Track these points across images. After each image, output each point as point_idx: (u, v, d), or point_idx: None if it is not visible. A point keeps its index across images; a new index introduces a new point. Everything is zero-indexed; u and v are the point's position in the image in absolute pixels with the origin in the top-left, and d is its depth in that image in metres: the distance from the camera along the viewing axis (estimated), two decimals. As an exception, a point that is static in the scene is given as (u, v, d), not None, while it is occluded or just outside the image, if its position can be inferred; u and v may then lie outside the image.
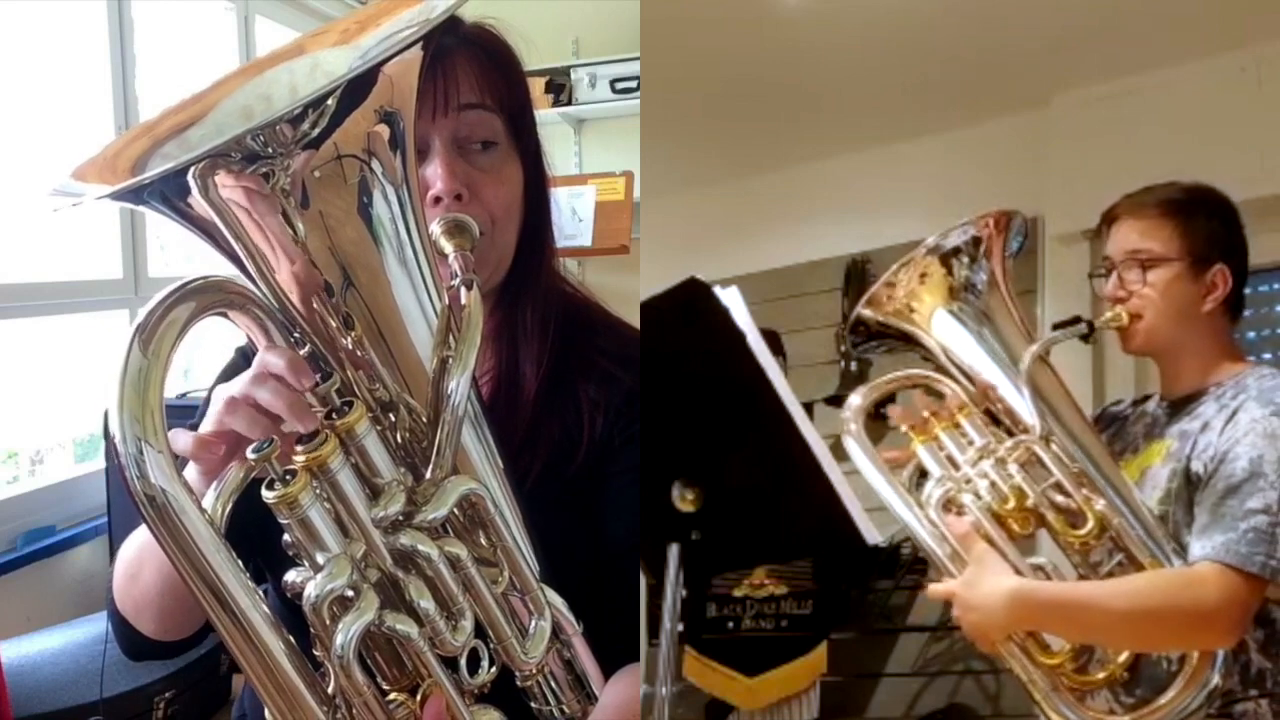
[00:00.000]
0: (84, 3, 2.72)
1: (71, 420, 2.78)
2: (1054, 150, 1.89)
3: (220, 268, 0.67)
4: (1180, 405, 1.17)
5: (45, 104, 2.60)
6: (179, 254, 3.12)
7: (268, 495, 0.65)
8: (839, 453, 1.15)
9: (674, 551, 1.05)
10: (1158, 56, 1.74)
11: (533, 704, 0.78)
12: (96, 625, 2.26)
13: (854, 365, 2.04)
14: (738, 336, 1.05)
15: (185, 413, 0.81)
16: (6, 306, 2.46)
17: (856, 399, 1.18)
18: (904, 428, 1.16)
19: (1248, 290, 1.75)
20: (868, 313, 1.22)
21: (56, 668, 2.15)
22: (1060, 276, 1.88)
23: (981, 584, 1.07)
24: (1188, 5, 1.62)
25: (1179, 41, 1.70)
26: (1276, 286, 1.72)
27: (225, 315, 0.68)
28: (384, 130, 0.66)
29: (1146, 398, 1.25)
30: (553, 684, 0.78)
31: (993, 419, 1.15)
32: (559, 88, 3.51)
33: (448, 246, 0.80)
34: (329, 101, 0.60)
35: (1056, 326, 1.16)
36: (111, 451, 2.06)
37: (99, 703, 2.07)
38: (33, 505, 2.53)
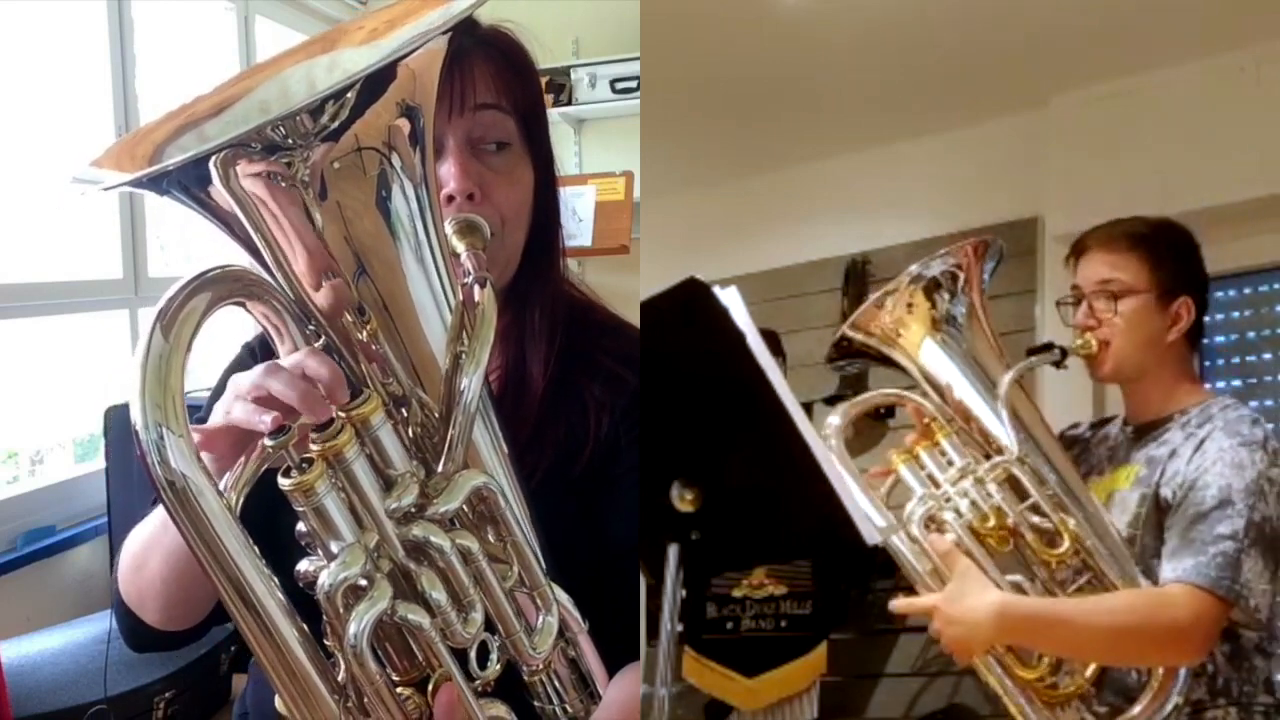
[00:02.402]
0: (84, 3, 2.72)
1: (71, 420, 2.78)
2: (1053, 150, 1.89)
3: (233, 259, 0.67)
4: (1145, 430, 1.21)
5: (45, 104, 2.60)
6: (179, 254, 3.13)
7: (284, 483, 0.65)
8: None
9: (673, 551, 1.05)
10: (1157, 56, 1.74)
11: (536, 702, 0.78)
12: (96, 625, 2.26)
13: (854, 366, 2.05)
14: (737, 336, 1.05)
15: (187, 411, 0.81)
16: (6, 306, 2.46)
17: (835, 419, 1.23)
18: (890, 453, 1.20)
19: (1248, 290, 1.77)
20: (854, 333, 1.26)
21: (56, 668, 2.15)
22: (1060, 277, 1.88)
23: (966, 598, 1.10)
24: (1188, 5, 1.62)
25: (1179, 41, 1.70)
26: (1276, 286, 1.72)
27: (243, 305, 0.68)
28: (405, 125, 0.66)
29: (1105, 421, 1.30)
30: (556, 682, 0.78)
31: (969, 441, 1.19)
32: (559, 88, 3.50)
33: (460, 245, 0.81)
34: (349, 95, 0.61)
35: (1030, 352, 1.21)
36: (109, 450, 2.05)
37: (102, 701, 2.07)
38: (33, 505, 2.53)
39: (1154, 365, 1.21)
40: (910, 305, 1.23)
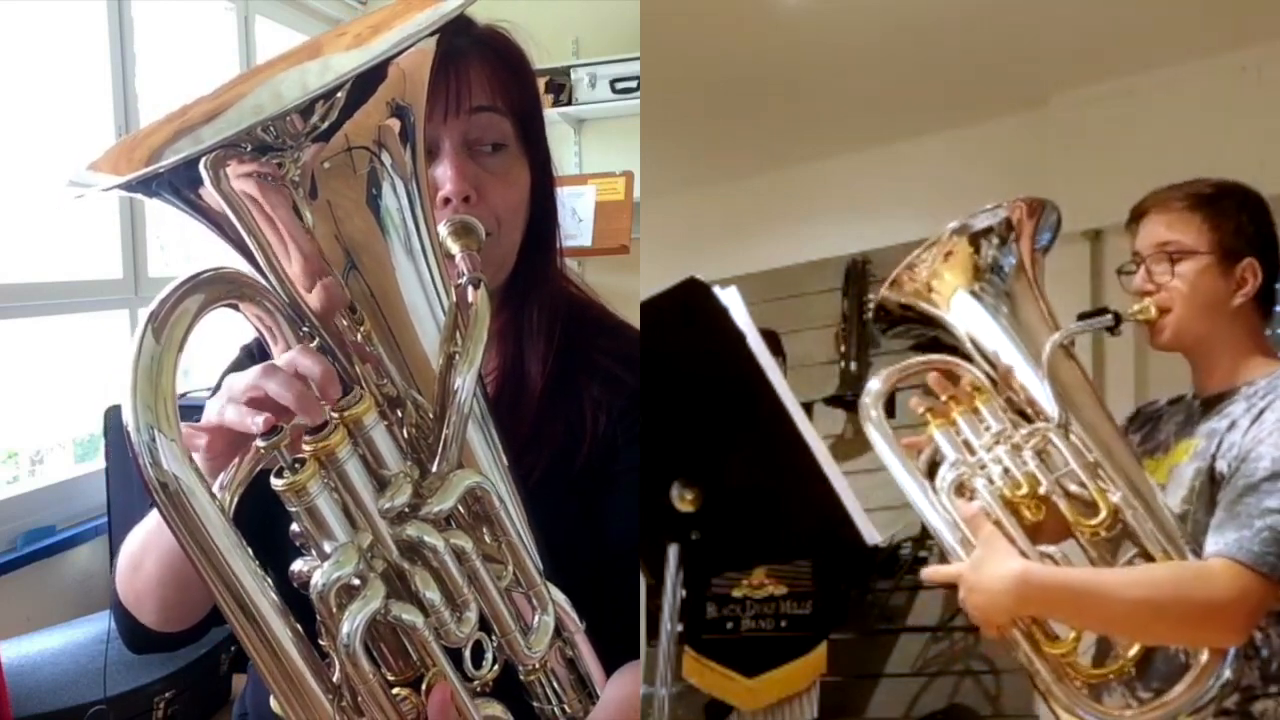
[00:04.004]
0: (84, 3, 2.72)
1: (71, 420, 2.78)
2: (1054, 150, 1.90)
3: (229, 261, 0.67)
4: (1212, 404, 1.15)
5: (45, 104, 2.60)
6: (179, 254, 3.13)
7: (276, 483, 0.65)
8: (838, 453, 1.15)
9: (673, 551, 1.06)
10: (1158, 56, 1.74)
11: (534, 703, 0.78)
12: (96, 625, 2.26)
13: (853, 365, 2.05)
14: (737, 336, 1.05)
15: (185, 413, 0.81)
16: (6, 306, 2.46)
17: (876, 383, 1.16)
18: (922, 410, 1.14)
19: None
20: (890, 294, 1.20)
21: (56, 668, 2.15)
22: (1060, 276, 1.87)
23: (988, 565, 1.05)
24: (1188, 5, 1.62)
25: (1179, 41, 1.71)
26: (1276, 286, 1.72)
27: (236, 307, 0.68)
28: (395, 124, 0.66)
29: (1181, 397, 1.22)
30: (555, 683, 0.78)
31: (1013, 406, 1.14)
32: (559, 88, 3.50)
33: (454, 247, 0.81)
34: (339, 95, 0.61)
35: (1082, 317, 1.14)
36: (109, 450, 2.04)
37: (102, 701, 2.07)
38: (33, 505, 2.53)
39: (1218, 333, 1.14)
40: (950, 254, 1.16)
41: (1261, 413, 1.07)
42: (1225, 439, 1.08)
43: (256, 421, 0.66)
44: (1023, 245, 1.18)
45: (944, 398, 1.14)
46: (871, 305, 1.22)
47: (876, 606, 1.93)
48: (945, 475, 1.11)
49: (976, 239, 1.17)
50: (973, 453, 1.12)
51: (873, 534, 1.10)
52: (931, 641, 1.86)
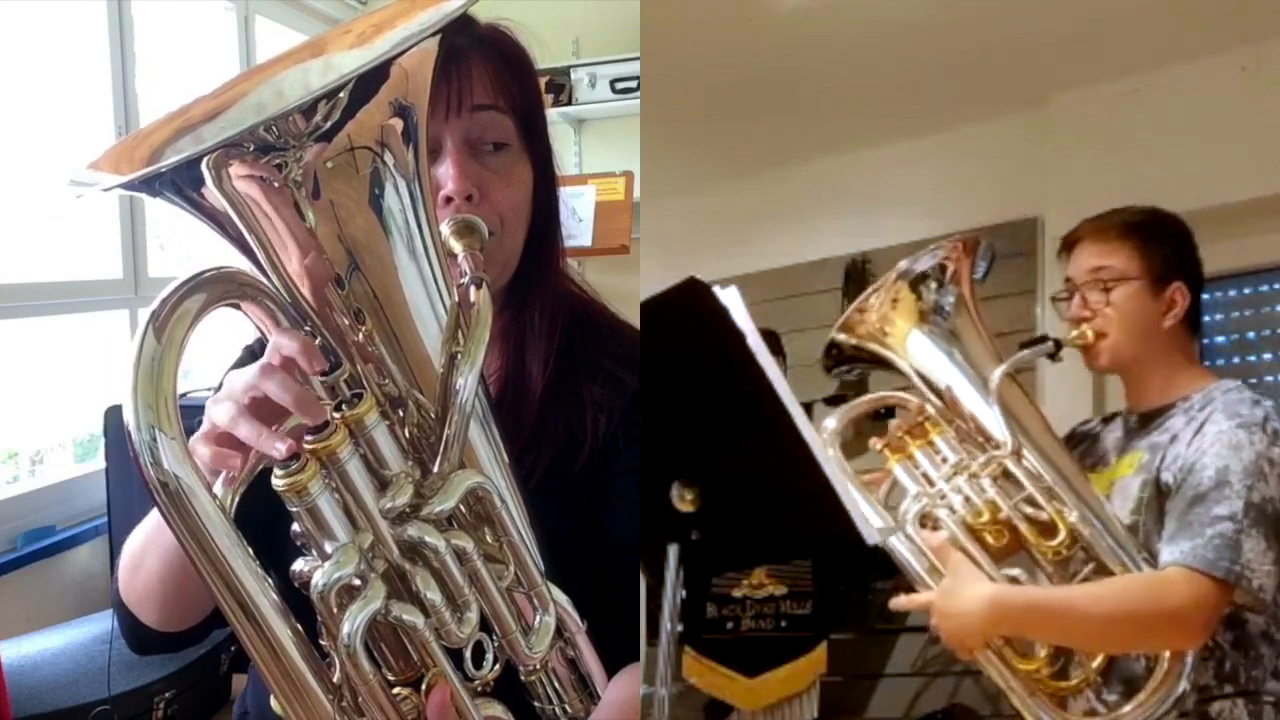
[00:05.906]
0: (84, 3, 2.72)
1: (71, 420, 2.79)
2: (1054, 150, 1.90)
3: (231, 260, 0.67)
4: (1149, 419, 1.21)
5: (45, 104, 2.60)
6: (179, 254, 3.13)
7: (278, 482, 0.65)
8: (837, 453, 1.17)
9: (673, 551, 1.05)
10: (1158, 56, 1.74)
11: (535, 703, 0.78)
12: (96, 625, 2.26)
13: (852, 374, 2.05)
14: (737, 336, 1.05)
15: (186, 413, 0.81)
16: (6, 306, 2.46)
17: (831, 423, 1.23)
18: (879, 447, 1.21)
19: (1248, 290, 1.76)
20: (842, 337, 1.27)
21: (56, 668, 2.15)
22: (1060, 277, 1.88)
23: (960, 591, 1.11)
24: (1188, 5, 1.62)
25: (1179, 41, 1.70)
26: (1277, 286, 1.72)
27: (237, 306, 0.68)
28: (397, 124, 0.66)
29: (1115, 415, 1.29)
30: (556, 683, 0.78)
31: (964, 436, 1.20)
32: (559, 88, 3.51)
33: (457, 246, 0.81)
34: (341, 95, 0.61)
35: (1023, 346, 1.21)
36: (109, 450, 2.05)
37: (105, 700, 2.07)
38: (33, 505, 2.53)
39: (1152, 353, 1.21)
40: (895, 300, 1.23)
41: (1202, 425, 1.13)
42: (1168, 452, 1.15)
43: (279, 449, 0.65)
44: (962, 283, 1.25)
45: (900, 433, 1.21)
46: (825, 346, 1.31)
47: (876, 606, 1.93)
48: (909, 507, 1.17)
49: (917, 283, 1.24)
50: (932, 484, 1.18)
51: (872, 534, 1.10)
52: (931, 641, 1.86)
